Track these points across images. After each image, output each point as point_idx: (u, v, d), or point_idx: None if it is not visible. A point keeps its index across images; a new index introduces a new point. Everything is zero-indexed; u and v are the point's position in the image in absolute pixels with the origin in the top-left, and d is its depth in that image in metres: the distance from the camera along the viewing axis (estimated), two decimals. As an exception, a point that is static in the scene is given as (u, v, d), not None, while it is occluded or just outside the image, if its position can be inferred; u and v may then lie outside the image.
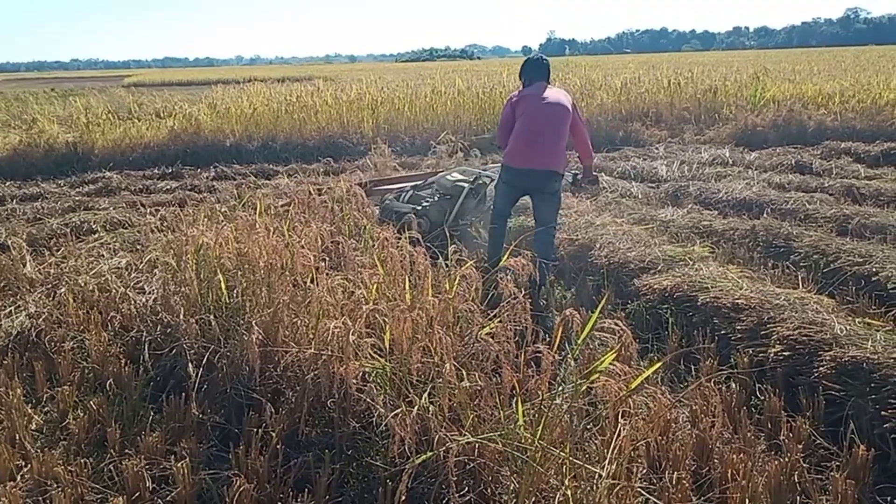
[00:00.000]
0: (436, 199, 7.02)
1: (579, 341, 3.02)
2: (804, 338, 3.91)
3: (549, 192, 5.67)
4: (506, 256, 4.16)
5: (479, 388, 3.09)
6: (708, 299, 4.64)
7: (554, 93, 5.86)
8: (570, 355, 3.37)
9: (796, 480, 3.03)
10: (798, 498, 2.98)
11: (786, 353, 3.89)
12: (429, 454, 2.71)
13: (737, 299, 4.51)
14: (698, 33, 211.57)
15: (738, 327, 4.28)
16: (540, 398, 2.84)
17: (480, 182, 7.16)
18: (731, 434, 3.42)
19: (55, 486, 3.13)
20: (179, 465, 3.03)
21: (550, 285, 5.46)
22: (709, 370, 3.93)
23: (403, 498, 2.53)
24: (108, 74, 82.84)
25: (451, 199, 7.01)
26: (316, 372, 3.33)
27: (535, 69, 6.02)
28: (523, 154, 5.62)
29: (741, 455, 3.09)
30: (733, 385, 3.83)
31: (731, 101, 15.38)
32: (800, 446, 3.21)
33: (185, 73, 63.91)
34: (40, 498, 3.10)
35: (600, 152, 12.01)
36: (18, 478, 3.24)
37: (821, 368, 3.66)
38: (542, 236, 5.57)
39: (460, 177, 7.26)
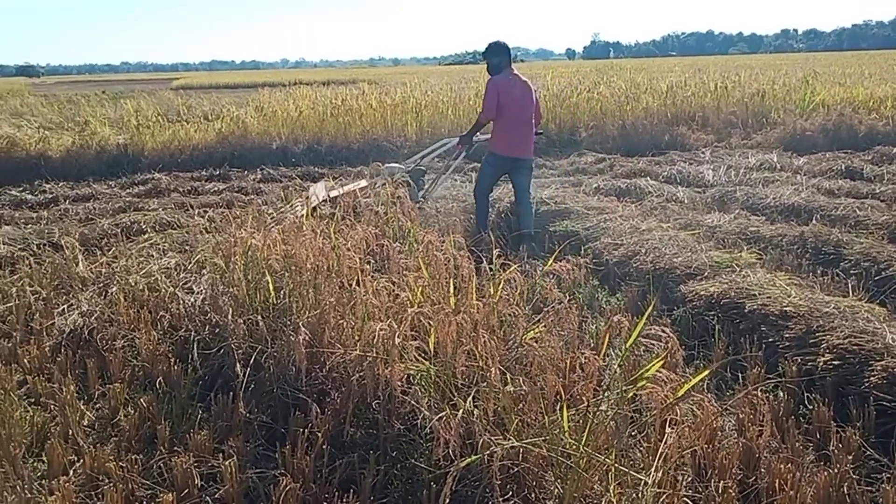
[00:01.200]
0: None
1: (626, 346, 3.01)
2: (855, 347, 3.84)
3: (529, 168, 7.09)
4: (550, 261, 4.16)
5: (523, 392, 3.09)
6: (755, 306, 4.59)
7: (524, 82, 6.93)
8: (615, 361, 3.35)
9: (846, 492, 2.98)
10: (848, 510, 2.93)
11: (835, 363, 3.82)
12: (473, 458, 2.72)
13: (785, 307, 4.45)
14: (745, 36, 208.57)
15: (787, 335, 4.23)
16: (585, 404, 2.83)
17: (418, 169, 8.41)
18: (778, 443, 3.38)
19: (107, 481, 3.20)
20: (227, 463, 3.08)
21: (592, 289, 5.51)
22: (756, 378, 3.88)
23: (447, 501, 2.55)
24: (157, 77, 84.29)
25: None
26: (361, 373, 3.36)
27: (506, 54, 6.94)
28: (513, 144, 6.83)
29: (789, 465, 3.05)
30: (781, 394, 3.78)
31: (779, 105, 15.15)
32: (849, 457, 3.16)
33: (232, 76, 64.78)
34: (92, 493, 3.18)
35: (645, 156, 11.94)
36: (71, 472, 3.32)
37: (871, 378, 3.59)
38: (526, 207, 6.94)
39: (400, 166, 8.23)
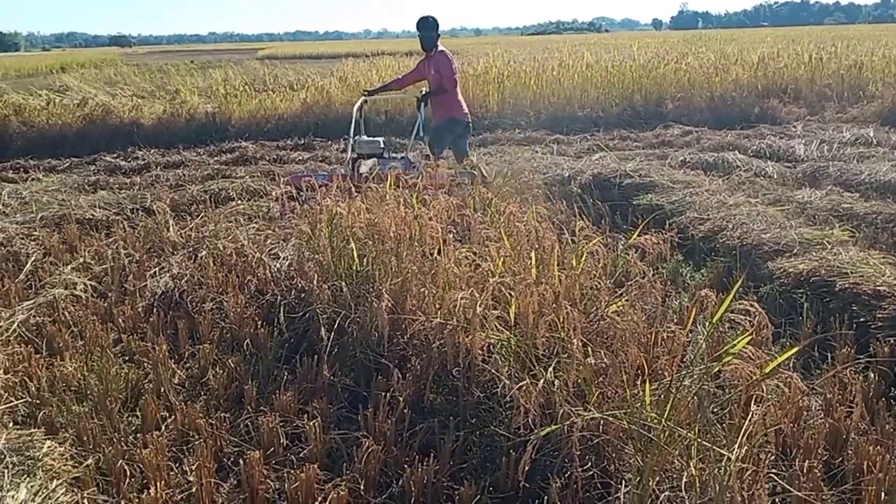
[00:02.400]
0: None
1: (713, 321, 2.96)
2: (953, 329, 3.69)
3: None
4: (635, 235, 4.12)
5: (604, 365, 3.08)
6: (847, 285, 4.45)
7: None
8: (700, 337, 3.31)
9: (942, 475, 2.89)
10: (943, 494, 2.83)
11: (932, 345, 3.69)
12: (553, 427, 2.73)
13: (878, 286, 4.30)
14: (843, 5, 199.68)
15: (880, 315, 4.09)
16: (668, 379, 2.81)
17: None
18: (867, 425, 3.29)
19: (196, 436, 3.33)
20: (311, 423, 3.17)
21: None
22: (846, 358, 3.77)
23: (527, 468, 2.57)
24: (243, 47, 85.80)
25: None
26: (442, 341, 3.40)
27: (437, 31, 7.80)
28: (464, 108, 7.87)
29: (878, 447, 2.97)
30: (872, 375, 3.67)
31: (877, 77, 14.49)
32: (945, 441, 3.05)
33: (316, 47, 65.38)
34: (184, 447, 3.31)
35: (734, 129, 11.62)
36: (164, 427, 3.47)
37: (970, 362, 3.46)
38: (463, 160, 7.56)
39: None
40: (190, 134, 12.55)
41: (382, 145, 7.37)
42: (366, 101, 8.03)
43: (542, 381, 2.85)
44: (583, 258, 3.84)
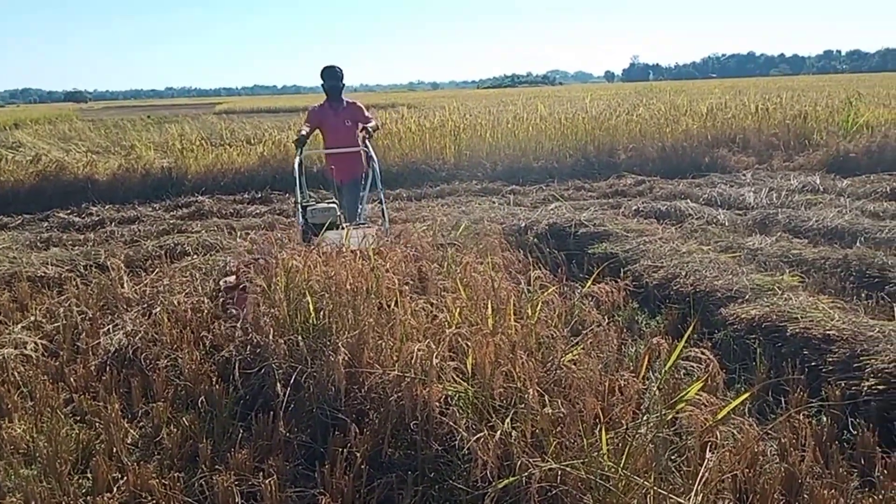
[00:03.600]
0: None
1: (665, 369, 3.00)
2: (900, 371, 3.77)
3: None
4: (590, 283, 4.16)
5: (561, 414, 3.08)
6: (797, 330, 4.53)
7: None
8: (655, 384, 3.34)
9: (892, 519, 2.93)
10: (894, 537, 2.87)
11: (880, 387, 3.76)
12: (511, 479, 2.72)
13: (828, 330, 4.39)
14: (787, 57, 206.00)
15: (830, 359, 4.17)
16: (624, 427, 2.82)
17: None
18: (822, 469, 3.33)
19: (149, 498, 3.26)
20: (267, 482, 3.11)
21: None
22: (798, 402, 3.83)
23: (486, 522, 2.55)
24: (201, 102, 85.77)
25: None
26: (399, 394, 3.38)
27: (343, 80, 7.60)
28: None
29: (832, 491, 3.01)
30: (824, 419, 3.73)
31: (821, 126, 14.94)
32: (895, 483, 3.10)
33: (274, 101, 65.65)
34: (136, 509, 3.23)
35: (685, 178, 11.86)
36: (115, 489, 3.39)
37: (918, 404, 3.53)
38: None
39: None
40: (145, 189, 12.46)
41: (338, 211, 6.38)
42: (302, 153, 6.95)
43: (499, 432, 2.85)
44: (538, 307, 3.86)
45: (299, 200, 6.42)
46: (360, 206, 7.16)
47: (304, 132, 7.01)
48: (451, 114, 17.09)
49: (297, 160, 6.68)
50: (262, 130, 18.66)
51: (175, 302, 5.53)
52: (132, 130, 21.46)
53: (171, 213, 10.96)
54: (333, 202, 6.32)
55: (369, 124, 7.27)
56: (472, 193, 11.69)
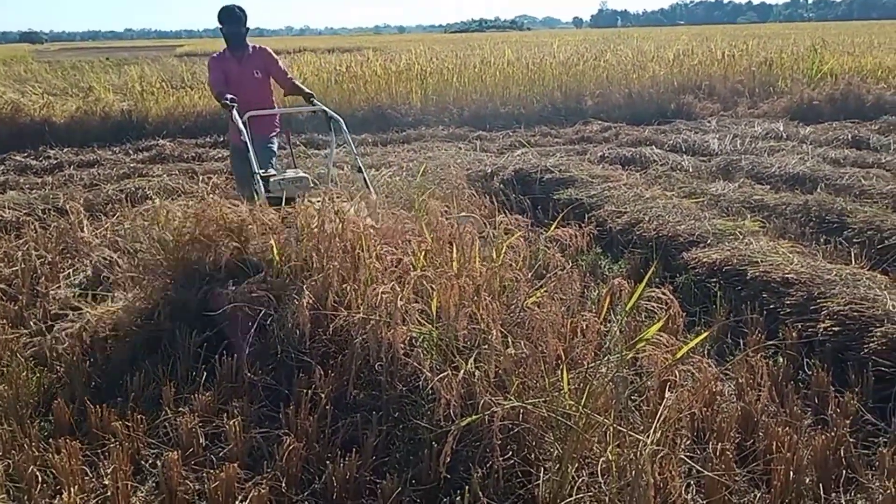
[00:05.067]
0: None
1: (626, 310, 3.03)
2: (855, 313, 3.86)
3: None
4: (553, 227, 4.18)
5: (524, 355, 3.12)
6: (757, 273, 4.61)
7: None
8: (616, 325, 3.38)
9: (842, 455, 3.02)
10: (844, 472, 2.96)
11: (835, 329, 3.85)
12: (474, 417, 2.76)
13: (787, 274, 4.46)
14: (755, 5, 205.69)
15: (788, 302, 4.25)
16: (585, 367, 2.86)
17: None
18: (777, 408, 3.42)
19: (113, 440, 3.25)
20: (231, 423, 3.12)
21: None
22: (756, 343, 3.91)
23: (448, 459, 2.59)
24: (162, 44, 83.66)
25: None
26: (364, 336, 3.38)
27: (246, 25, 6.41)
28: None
29: (787, 428, 3.09)
30: (781, 359, 3.81)
31: (786, 74, 15.01)
32: (847, 421, 3.19)
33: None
34: (98, 451, 3.23)
35: (651, 125, 11.89)
36: (78, 432, 3.37)
37: (871, 344, 3.62)
38: None
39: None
40: (105, 132, 12.18)
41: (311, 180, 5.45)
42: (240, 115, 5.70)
43: (462, 371, 2.88)
44: (503, 251, 3.88)
45: (257, 170, 5.34)
46: (327, 170, 6.58)
47: (226, 94, 5.74)
48: (417, 57, 16.87)
49: (240, 123, 5.54)
50: (224, 73, 18.28)
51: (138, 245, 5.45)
52: (90, 72, 20.89)
53: (132, 156, 10.75)
54: (302, 172, 5.50)
55: (290, 78, 6.46)
56: (438, 139, 11.62)
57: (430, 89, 14.07)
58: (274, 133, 6.47)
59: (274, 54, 6.46)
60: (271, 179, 5.28)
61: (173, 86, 15.52)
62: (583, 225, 6.27)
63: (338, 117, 5.98)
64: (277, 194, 5.10)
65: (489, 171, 8.24)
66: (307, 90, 6.33)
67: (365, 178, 5.67)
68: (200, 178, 8.70)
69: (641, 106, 13.25)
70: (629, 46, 20.69)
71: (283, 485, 2.86)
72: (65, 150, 10.97)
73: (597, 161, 9.07)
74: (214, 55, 6.40)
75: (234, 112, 5.64)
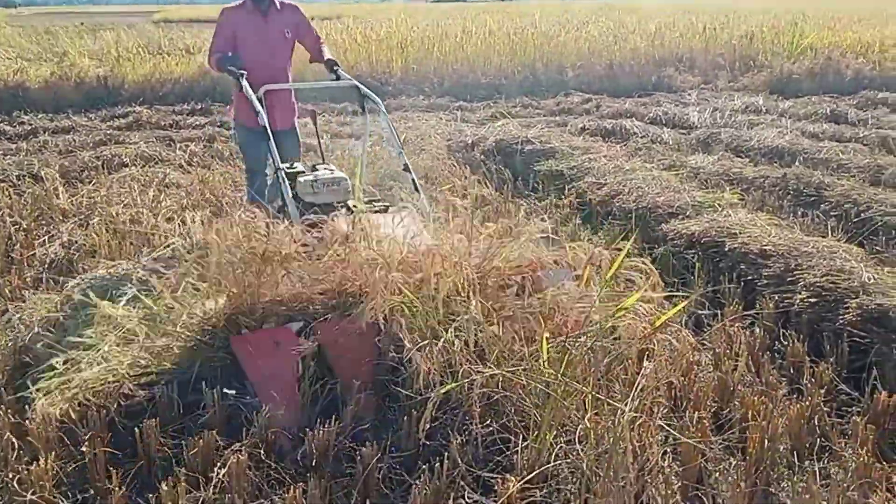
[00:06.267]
0: None
1: (606, 278, 3.04)
2: (831, 285, 3.90)
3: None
4: (535, 199, 4.17)
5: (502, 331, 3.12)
6: (735, 245, 4.64)
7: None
8: (596, 294, 3.39)
9: (816, 424, 3.07)
10: (818, 440, 3.01)
11: (812, 300, 3.88)
12: (454, 384, 2.76)
13: (764, 246, 4.50)
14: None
15: (765, 273, 4.28)
16: (565, 335, 2.87)
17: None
18: (753, 377, 3.46)
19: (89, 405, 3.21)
20: (210, 391, 3.10)
21: None
22: (733, 314, 3.94)
23: (427, 426, 2.60)
24: (138, 10, 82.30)
25: None
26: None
27: None
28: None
29: (762, 397, 3.13)
30: (757, 330, 3.84)
31: (767, 47, 15.05)
32: (822, 391, 3.24)
33: (215, 10, 63.31)
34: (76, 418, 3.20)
35: (631, 97, 11.89)
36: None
37: (846, 315, 3.66)
38: None
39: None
40: (80, 98, 11.99)
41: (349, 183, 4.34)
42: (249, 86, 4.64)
43: (442, 340, 2.88)
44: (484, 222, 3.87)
45: (280, 165, 4.29)
46: (360, 165, 5.34)
47: (233, 62, 4.77)
48: (398, 26, 16.71)
49: (255, 101, 4.47)
50: (201, 39, 18.02)
51: (113, 213, 5.40)
52: (65, 37, 20.49)
53: (108, 123, 10.59)
54: (336, 171, 4.44)
55: (325, 50, 5.22)
56: (419, 109, 11.54)
57: (410, 59, 13.96)
58: (295, 119, 5.41)
59: (306, 17, 5.32)
60: (300, 179, 4.26)
61: (150, 52, 15.28)
62: (563, 196, 6.33)
63: (375, 97, 4.85)
64: (310, 199, 4.19)
65: (470, 141, 8.22)
66: (331, 56, 5.18)
67: (414, 180, 4.50)
68: (178, 145, 8.59)
69: (622, 78, 13.24)
70: (611, 18, 20.59)
71: (262, 452, 2.85)
72: (39, 115, 10.78)
73: (577, 133, 9.07)
74: (229, 5, 5.12)
75: (246, 84, 4.61)
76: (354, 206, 3.91)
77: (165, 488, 2.54)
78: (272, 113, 4.70)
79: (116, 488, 2.64)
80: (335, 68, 5.01)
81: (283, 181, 4.24)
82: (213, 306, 3.25)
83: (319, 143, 5.19)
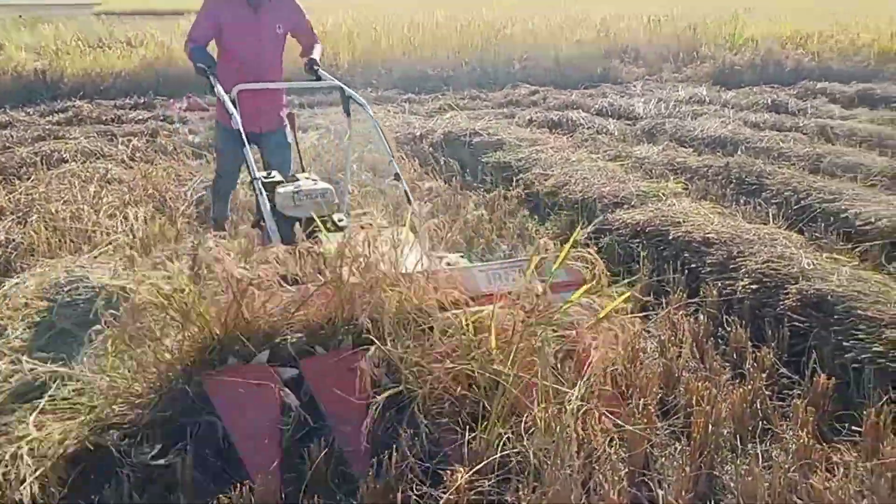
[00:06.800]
0: None
1: (553, 270, 3.06)
2: (772, 271, 3.99)
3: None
4: (482, 192, 4.17)
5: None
6: (679, 234, 4.71)
7: None
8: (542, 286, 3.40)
9: (759, 407, 3.13)
10: (760, 424, 3.07)
11: (753, 286, 3.97)
12: (396, 389, 2.74)
13: (707, 234, 4.58)
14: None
15: (708, 261, 4.36)
16: (512, 327, 2.88)
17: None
18: (697, 363, 3.52)
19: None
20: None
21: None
22: (677, 302, 4.00)
23: (370, 428, 2.60)
24: (78, 2, 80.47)
25: None
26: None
27: None
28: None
29: (706, 383, 3.18)
30: (701, 317, 3.91)
31: (710, 39, 15.30)
32: (763, 375, 3.31)
33: (157, 2, 62.17)
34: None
35: (578, 89, 11.98)
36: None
37: (787, 301, 3.75)
38: None
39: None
40: (17, 92, 11.63)
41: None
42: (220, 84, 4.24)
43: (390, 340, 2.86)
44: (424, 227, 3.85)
45: (256, 175, 3.85)
46: (345, 173, 5.02)
47: (202, 56, 4.35)
48: (344, 17, 16.58)
49: (227, 102, 4.05)
50: (143, 32, 17.67)
51: (52, 210, 5.27)
52: (1, 30, 19.96)
53: (47, 118, 10.29)
54: (319, 180, 4.01)
55: (316, 49, 4.91)
56: (367, 101, 11.45)
57: (358, 51, 13.86)
58: (285, 123, 4.92)
59: (303, 12, 4.97)
60: (279, 190, 3.80)
61: (90, 45, 14.93)
62: (511, 188, 6.35)
63: (361, 99, 4.53)
64: (291, 213, 3.73)
65: (418, 133, 8.21)
66: (316, 54, 4.87)
67: (406, 190, 4.18)
68: (120, 140, 8.41)
69: (569, 70, 13.34)
70: (557, 10, 20.71)
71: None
72: (-26, 111, 10.47)
73: (525, 124, 9.12)
74: None
75: (217, 83, 4.23)
76: (340, 221, 3.74)
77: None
78: (256, 115, 4.47)
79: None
80: (315, 68, 4.70)
81: (261, 193, 3.76)
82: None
83: (298, 149, 4.87)
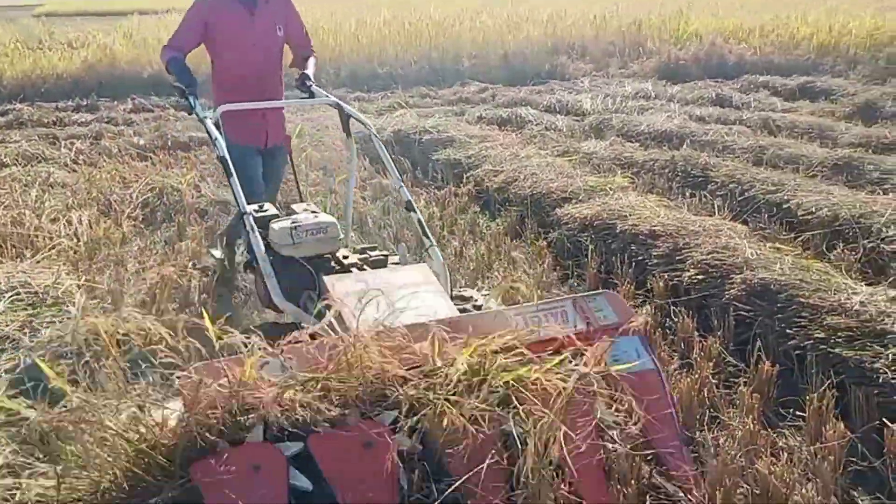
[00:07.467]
0: None
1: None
2: (717, 262, 4.06)
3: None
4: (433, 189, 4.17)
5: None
6: (627, 227, 4.77)
7: None
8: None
9: (706, 396, 3.18)
10: (708, 412, 3.13)
11: (699, 277, 4.03)
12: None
13: (654, 226, 4.64)
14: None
15: (655, 253, 4.42)
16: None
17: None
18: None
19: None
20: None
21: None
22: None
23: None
24: (18, 3, 78.53)
25: None
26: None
27: None
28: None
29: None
30: (649, 307, 3.96)
31: (655, 34, 15.48)
32: (710, 364, 3.37)
33: (99, 3, 60.92)
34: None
35: (526, 86, 12.04)
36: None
37: (732, 290, 3.81)
38: None
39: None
40: (-46, 96, 11.38)
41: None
42: (203, 108, 3.71)
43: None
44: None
45: (245, 209, 3.22)
46: (346, 203, 4.30)
47: (184, 67, 3.90)
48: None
49: (209, 126, 3.44)
50: (85, 33, 17.32)
51: (-7, 215, 5.14)
52: (-64, 33, 19.41)
53: (-15, 122, 10.07)
54: (321, 212, 3.44)
55: (310, 64, 4.31)
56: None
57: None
58: (284, 140, 4.40)
59: (297, 13, 4.41)
60: (274, 226, 3.29)
61: (29, 47, 14.60)
62: (461, 185, 6.37)
63: (363, 118, 3.98)
64: (288, 251, 3.24)
65: (368, 132, 8.16)
66: (310, 69, 4.25)
67: (420, 221, 3.54)
68: (62, 143, 8.24)
69: (517, 67, 13.40)
70: (504, 7, 20.79)
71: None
72: None
73: (474, 122, 9.15)
74: None
75: (195, 103, 3.69)
76: (345, 258, 3.32)
77: None
78: (262, 126, 4.18)
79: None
80: (307, 83, 4.10)
81: (252, 230, 3.16)
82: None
83: (296, 175, 4.45)
